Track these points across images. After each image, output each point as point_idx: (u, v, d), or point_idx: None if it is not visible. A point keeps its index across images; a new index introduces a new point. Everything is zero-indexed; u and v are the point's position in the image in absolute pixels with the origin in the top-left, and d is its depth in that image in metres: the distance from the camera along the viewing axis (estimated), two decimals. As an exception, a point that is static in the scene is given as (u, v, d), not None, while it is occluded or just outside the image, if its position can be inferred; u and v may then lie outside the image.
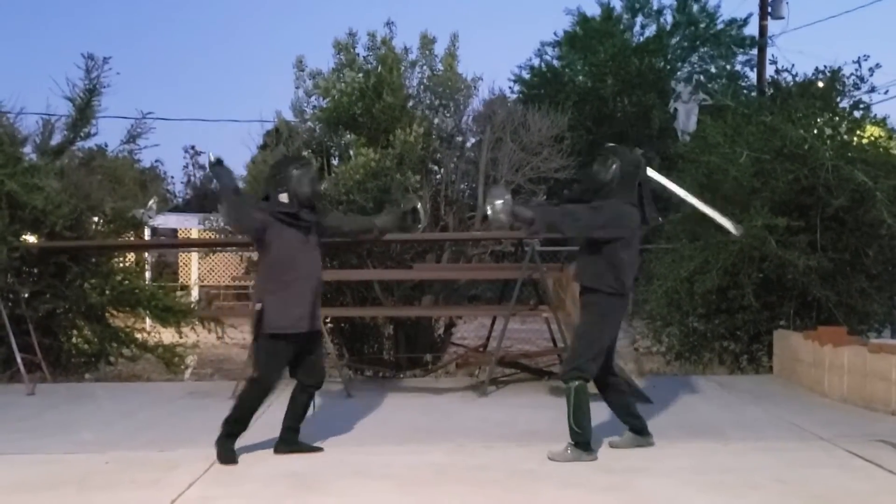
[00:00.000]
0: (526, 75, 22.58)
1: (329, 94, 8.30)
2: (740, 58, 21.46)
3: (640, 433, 4.96)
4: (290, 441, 4.87)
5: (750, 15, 20.84)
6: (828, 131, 7.88)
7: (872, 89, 8.55)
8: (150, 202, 9.62)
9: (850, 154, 7.65)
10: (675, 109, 7.84)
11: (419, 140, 7.88)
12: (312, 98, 8.73)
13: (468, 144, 9.18)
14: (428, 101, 8.61)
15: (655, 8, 21.59)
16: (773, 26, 18.80)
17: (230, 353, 9.45)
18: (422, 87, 8.56)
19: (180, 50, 59.98)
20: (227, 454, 4.67)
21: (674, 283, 8.17)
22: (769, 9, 18.79)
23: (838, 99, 8.52)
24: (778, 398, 6.56)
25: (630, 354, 9.07)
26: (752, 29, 20.48)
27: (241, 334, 8.69)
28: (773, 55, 17.66)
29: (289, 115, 8.92)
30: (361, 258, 8.29)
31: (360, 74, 8.27)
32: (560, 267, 7.86)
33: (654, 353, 9.06)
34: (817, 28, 39.11)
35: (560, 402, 6.49)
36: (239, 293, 18.68)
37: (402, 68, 8.32)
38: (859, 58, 8.40)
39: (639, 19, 21.76)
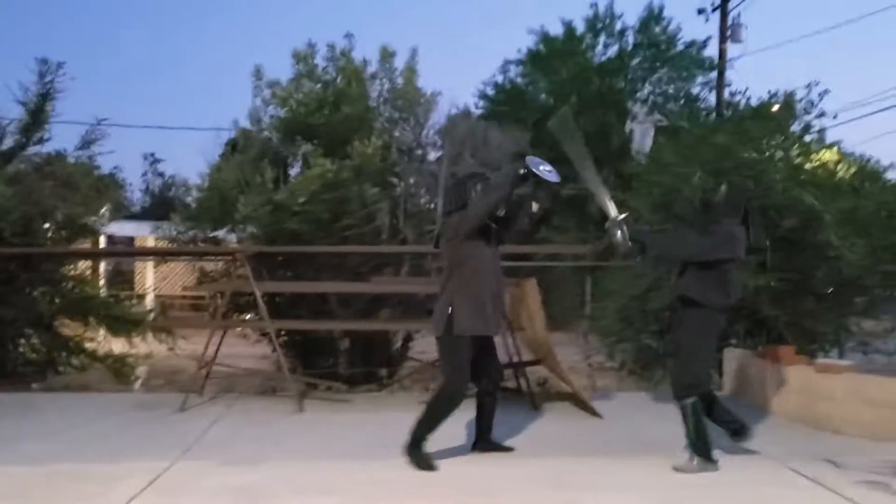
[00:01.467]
0: (490, 92, 22.73)
1: (287, 103, 8.28)
2: (700, 80, 21.82)
3: (740, 433, 5.17)
4: (486, 441, 5.21)
5: (709, 38, 21.28)
6: (779, 154, 8.03)
7: (822, 114, 8.74)
8: (103, 209, 9.46)
9: (801, 177, 7.80)
10: (631, 130, 7.95)
11: (378, 152, 7.89)
12: (270, 107, 8.70)
13: (430, 158, 9.19)
14: (387, 114, 8.63)
15: (618, 29, 21.86)
16: (732, 49, 19.28)
17: (182, 364, 9.28)
18: (381, 99, 8.58)
19: (143, 56, 59.20)
20: (428, 461, 4.74)
21: (627, 300, 8.25)
22: (728, 32, 19.26)
23: (791, 122, 8.69)
24: (727, 416, 6.62)
25: (583, 370, 9.19)
26: (711, 51, 20.95)
27: (192, 346, 8.56)
28: (729, 78, 18.18)
29: (246, 124, 8.88)
30: (317, 270, 8.23)
31: (319, 85, 8.27)
32: (517, 282, 7.87)
33: (608, 369, 9.13)
34: (776, 52, 40.04)
35: (510, 416, 6.57)
36: (194, 304, 18.44)
37: (362, 80, 8.33)
38: (810, 83, 8.61)
39: (601, 39, 22.00)
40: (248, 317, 8.71)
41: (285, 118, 8.42)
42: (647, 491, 4.41)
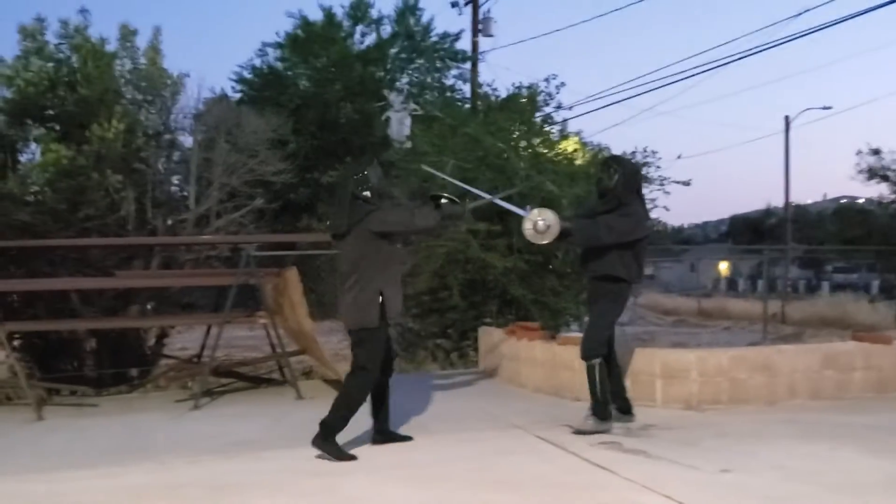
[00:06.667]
0: (248, 75, 22.06)
1: (13, 83, 7.47)
2: (455, 71, 22.68)
3: (625, 412, 5.50)
4: (385, 432, 5.11)
5: (462, 31, 22.20)
6: (523, 143, 8.57)
7: (559, 106, 9.44)
8: None
9: (544, 165, 8.38)
10: (388, 118, 8.09)
11: (120, 136, 7.35)
12: (-5, 87, 7.81)
13: (187, 144, 8.75)
14: (131, 96, 8.05)
15: (375, 17, 22.11)
16: (483, 43, 20.26)
17: None
18: (123, 80, 7.99)
19: None
20: (342, 452, 4.70)
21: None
22: (480, 26, 20.20)
23: (533, 114, 9.30)
24: (480, 391, 6.99)
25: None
26: (465, 44, 21.87)
27: None
28: (479, 70, 19.10)
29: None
30: (54, 265, 7.54)
31: (51, 64, 7.54)
32: (278, 272, 7.71)
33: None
34: (526, 46, 42.69)
35: (273, 407, 6.49)
36: None
37: (101, 60, 7.70)
38: (548, 77, 9.26)
39: (359, 27, 22.13)
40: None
41: (12, 99, 7.59)
42: (398, 469, 4.49)
